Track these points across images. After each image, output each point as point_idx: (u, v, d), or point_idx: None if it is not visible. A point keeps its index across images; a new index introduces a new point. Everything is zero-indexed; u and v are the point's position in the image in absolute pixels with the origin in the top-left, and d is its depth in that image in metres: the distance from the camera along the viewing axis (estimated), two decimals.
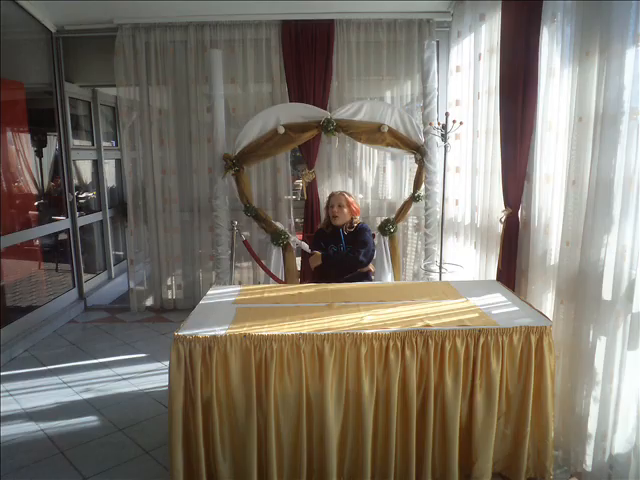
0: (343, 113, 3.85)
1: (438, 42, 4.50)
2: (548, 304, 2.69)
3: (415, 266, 4.80)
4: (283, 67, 4.45)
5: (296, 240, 4.00)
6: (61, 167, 4.82)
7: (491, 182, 3.34)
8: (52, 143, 4.97)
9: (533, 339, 2.11)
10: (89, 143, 5.43)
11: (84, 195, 5.53)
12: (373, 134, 3.88)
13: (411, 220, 4.76)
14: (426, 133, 3.88)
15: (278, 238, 3.98)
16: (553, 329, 2.24)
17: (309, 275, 3.92)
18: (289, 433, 2.12)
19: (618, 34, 1.97)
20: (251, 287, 2.93)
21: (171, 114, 4.65)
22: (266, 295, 2.73)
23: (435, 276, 3.70)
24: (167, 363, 2.62)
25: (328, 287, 2.86)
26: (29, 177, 4.54)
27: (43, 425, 2.83)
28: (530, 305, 2.43)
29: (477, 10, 3.56)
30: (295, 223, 4.87)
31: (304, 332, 2.08)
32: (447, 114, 3.30)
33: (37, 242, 4.65)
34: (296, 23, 4.37)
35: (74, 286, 4.97)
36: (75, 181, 5.03)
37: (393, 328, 2.12)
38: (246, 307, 2.50)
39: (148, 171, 4.69)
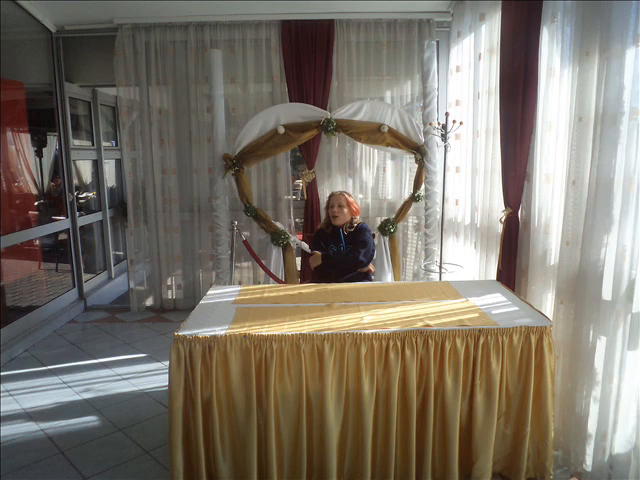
0: (343, 113, 3.85)
1: (438, 42, 4.50)
2: (548, 304, 2.69)
3: (415, 266, 4.80)
4: (283, 67, 4.45)
5: (296, 240, 4.00)
6: (61, 167, 4.82)
7: (491, 182, 3.34)
8: (52, 143, 4.97)
9: (533, 339, 2.11)
10: (89, 143, 5.43)
11: (84, 195, 5.53)
12: (373, 134, 3.89)
13: (411, 220, 4.76)
14: (426, 133, 3.88)
15: (278, 238, 3.98)
16: (553, 329, 2.24)
17: (309, 275, 3.92)
18: (289, 433, 2.12)
19: (618, 34, 1.97)
20: (251, 287, 2.93)
21: (171, 114, 4.66)
22: (266, 295, 2.73)
23: (435, 276, 3.70)
24: (167, 363, 2.63)
25: (328, 287, 2.86)
26: (29, 177, 4.54)
27: (43, 425, 2.83)
28: (530, 305, 2.43)
29: (477, 10, 3.56)
30: (295, 223, 4.87)
31: (304, 332, 2.08)
32: (447, 114, 3.30)
33: (37, 242, 4.65)
34: (296, 23, 4.37)
35: (74, 286, 4.97)
36: (75, 181, 5.03)
37: (393, 328, 2.12)
38: (246, 307, 2.50)
39: (148, 171, 4.69)
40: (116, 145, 6.07)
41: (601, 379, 2.16)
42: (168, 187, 4.75)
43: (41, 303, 4.47)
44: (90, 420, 2.88)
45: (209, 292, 2.80)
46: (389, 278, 4.07)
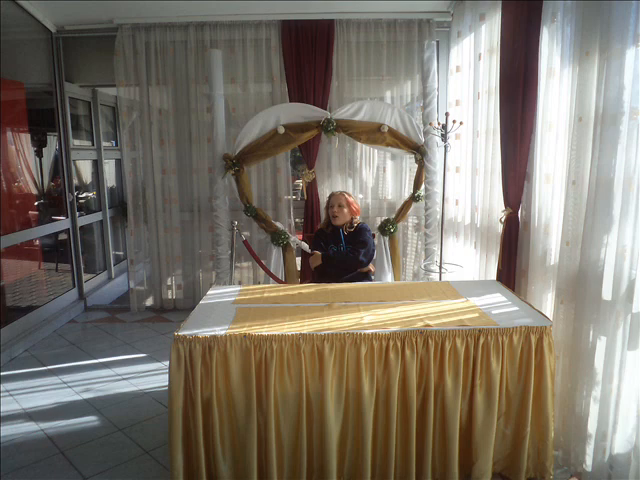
0: (343, 113, 3.85)
1: (438, 42, 4.50)
2: (548, 304, 2.69)
3: (415, 266, 4.80)
4: (283, 67, 4.45)
5: (296, 240, 4.00)
6: (61, 167, 4.82)
7: (491, 182, 3.34)
8: (52, 143, 4.97)
9: (533, 339, 2.11)
10: (89, 143, 5.43)
11: (84, 195, 5.53)
12: (373, 134, 3.89)
13: (411, 220, 4.76)
14: (426, 133, 3.89)
15: (278, 238, 3.98)
16: (553, 329, 2.24)
17: (309, 275, 3.92)
18: (289, 433, 2.12)
19: (618, 34, 1.97)
20: (251, 287, 2.93)
21: (171, 114, 4.66)
22: (266, 295, 2.73)
23: (435, 276, 3.70)
24: (167, 363, 2.63)
25: (328, 287, 2.86)
26: (29, 177, 4.54)
27: (43, 425, 2.83)
28: (530, 305, 2.43)
29: (477, 10, 3.56)
30: (295, 223, 4.87)
31: (304, 332, 2.08)
32: (447, 114, 3.30)
33: (37, 242, 4.65)
34: (296, 23, 4.37)
35: (74, 286, 4.97)
36: (75, 181, 5.03)
37: (393, 328, 2.12)
38: (246, 307, 2.50)
39: (148, 171, 4.70)
40: (116, 145, 6.07)
41: (601, 379, 2.16)
42: (168, 187, 4.75)
43: (41, 303, 4.47)
44: (90, 420, 2.88)
45: (209, 292, 2.80)
46: (389, 278, 4.07)
